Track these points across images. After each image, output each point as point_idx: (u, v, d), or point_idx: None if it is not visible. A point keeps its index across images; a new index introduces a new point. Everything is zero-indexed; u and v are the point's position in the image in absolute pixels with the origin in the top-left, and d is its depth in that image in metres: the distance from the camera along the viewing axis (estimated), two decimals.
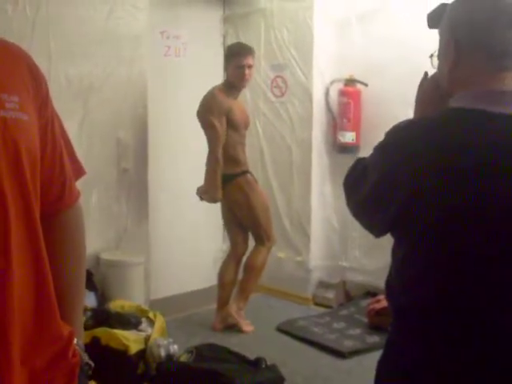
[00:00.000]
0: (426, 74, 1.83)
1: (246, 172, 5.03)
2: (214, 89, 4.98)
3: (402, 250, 1.65)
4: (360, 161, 1.78)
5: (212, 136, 4.82)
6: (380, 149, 1.68)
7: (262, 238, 5.12)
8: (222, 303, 5.16)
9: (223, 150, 4.86)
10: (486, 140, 1.54)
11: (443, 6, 1.72)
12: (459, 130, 1.57)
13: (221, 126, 4.81)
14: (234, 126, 4.92)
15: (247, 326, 5.07)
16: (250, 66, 4.92)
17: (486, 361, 1.54)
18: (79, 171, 1.57)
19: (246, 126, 5.11)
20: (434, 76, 1.80)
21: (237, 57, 4.88)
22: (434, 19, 1.75)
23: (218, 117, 4.81)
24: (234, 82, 4.95)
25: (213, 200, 4.97)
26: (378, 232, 1.73)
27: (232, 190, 4.98)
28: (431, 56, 1.78)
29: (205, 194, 4.96)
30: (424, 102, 1.81)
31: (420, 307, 1.60)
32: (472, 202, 1.52)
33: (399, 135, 1.65)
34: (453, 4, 1.68)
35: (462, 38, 1.63)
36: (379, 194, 1.63)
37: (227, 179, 4.93)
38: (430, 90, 1.80)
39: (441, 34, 1.71)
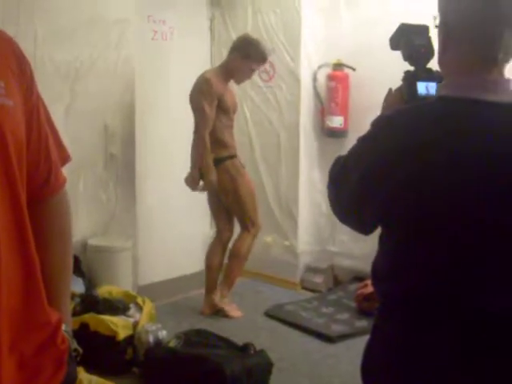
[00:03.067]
0: (390, 90, 1.88)
1: (233, 156, 4.99)
2: (206, 72, 4.93)
3: (391, 238, 1.66)
4: (339, 158, 1.77)
5: (201, 120, 4.77)
6: (366, 139, 1.68)
7: (247, 225, 5.09)
8: (210, 287, 5.16)
9: (210, 134, 4.82)
10: (471, 128, 1.55)
11: (402, 26, 1.83)
12: (444, 118, 1.58)
13: (211, 110, 4.75)
14: (224, 110, 4.86)
15: (234, 312, 5.07)
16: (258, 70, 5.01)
17: (470, 348, 1.55)
18: (65, 157, 1.56)
19: (235, 110, 5.07)
20: (398, 88, 1.84)
21: (257, 61, 4.84)
22: (394, 41, 1.79)
23: (210, 101, 4.74)
24: (235, 74, 4.90)
25: (210, 184, 4.86)
26: (368, 227, 1.74)
27: (218, 174, 4.92)
28: (435, 18, 1.71)
29: (192, 182, 4.92)
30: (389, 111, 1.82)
31: (405, 293, 1.61)
32: (464, 190, 1.52)
33: (386, 126, 1.65)
34: None
35: (450, 23, 1.62)
36: (367, 186, 1.63)
37: (213, 163, 4.90)
38: (394, 102, 1.84)
39: (438, 15, 1.68)
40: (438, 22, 1.67)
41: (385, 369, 1.68)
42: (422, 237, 1.57)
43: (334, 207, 1.81)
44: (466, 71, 1.61)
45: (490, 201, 1.52)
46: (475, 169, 1.52)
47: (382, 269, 1.69)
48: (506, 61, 1.61)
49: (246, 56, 4.79)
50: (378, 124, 1.67)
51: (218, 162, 4.92)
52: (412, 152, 1.55)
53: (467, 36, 1.60)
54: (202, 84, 4.79)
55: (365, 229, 1.76)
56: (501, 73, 1.60)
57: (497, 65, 1.59)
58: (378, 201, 1.61)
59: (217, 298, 5.09)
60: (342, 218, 1.80)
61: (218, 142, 4.91)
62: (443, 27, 1.64)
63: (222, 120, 4.88)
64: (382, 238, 1.69)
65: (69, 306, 1.63)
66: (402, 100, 1.81)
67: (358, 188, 1.65)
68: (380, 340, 1.71)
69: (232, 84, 5.06)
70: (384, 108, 1.87)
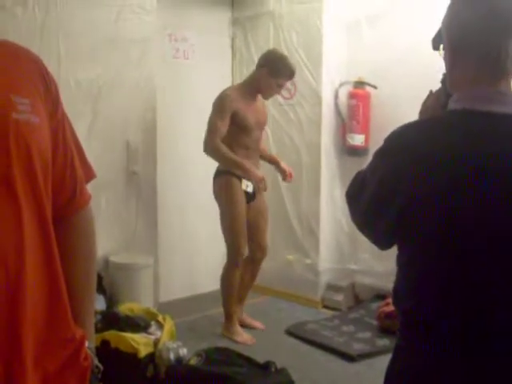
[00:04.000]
0: (430, 92, 1.87)
1: (233, 173, 4.82)
2: (228, 89, 4.91)
3: (405, 256, 1.67)
4: (359, 172, 1.79)
5: (208, 132, 4.68)
6: (378, 154, 1.69)
7: (228, 251, 4.95)
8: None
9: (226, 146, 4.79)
10: (485, 140, 1.56)
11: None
12: (455, 131, 1.59)
13: (221, 123, 4.67)
14: (241, 128, 4.78)
15: (239, 336, 4.94)
16: (285, 86, 4.98)
17: (492, 363, 1.55)
18: (89, 174, 1.58)
19: (260, 127, 4.97)
20: (437, 90, 1.83)
21: (285, 77, 4.79)
22: (436, 42, 1.78)
23: (221, 115, 4.69)
24: (261, 91, 4.86)
25: (255, 175, 4.68)
26: (382, 242, 1.76)
27: (214, 184, 4.91)
28: (443, 49, 1.76)
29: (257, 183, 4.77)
30: (427, 114, 1.84)
31: (424, 311, 1.62)
32: (473, 205, 1.53)
33: (397, 140, 1.66)
34: (448, 9, 1.69)
35: (454, 39, 1.65)
36: (380, 199, 1.65)
37: (215, 174, 4.90)
38: (432, 102, 1.84)
39: (443, 33, 1.71)
40: (443, 49, 1.71)
41: None
42: (439, 254, 1.58)
43: (353, 219, 1.84)
44: (474, 85, 1.62)
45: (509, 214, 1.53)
46: (493, 182, 1.53)
47: (400, 288, 1.70)
48: None
49: (275, 71, 4.74)
50: (388, 139, 1.68)
51: (217, 173, 4.89)
52: (424, 167, 1.56)
53: (472, 50, 1.62)
54: (218, 99, 4.76)
55: (381, 243, 1.77)
56: (508, 84, 1.62)
57: (504, 76, 1.61)
58: (390, 214, 1.63)
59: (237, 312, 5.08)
60: (361, 231, 1.82)
61: None
62: (449, 44, 1.66)
63: (237, 139, 4.80)
64: (397, 257, 1.71)
65: (92, 322, 1.64)
66: (440, 103, 1.79)
67: (372, 202, 1.67)
68: (403, 360, 1.70)
69: (262, 101, 5.03)
70: (422, 111, 1.87)
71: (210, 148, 4.67)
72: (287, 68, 4.77)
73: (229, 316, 4.99)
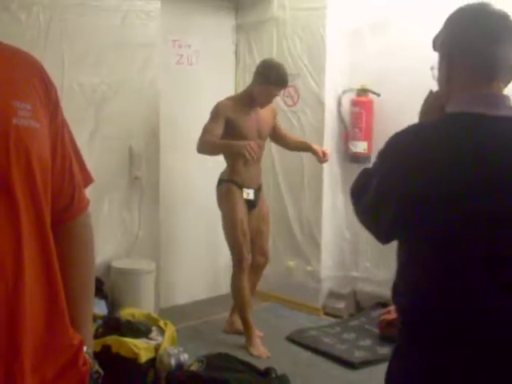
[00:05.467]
0: (430, 91, 1.95)
1: (233, 181, 4.87)
2: (226, 98, 4.94)
3: (404, 253, 1.74)
4: (364, 170, 1.87)
5: (201, 135, 4.71)
6: (380, 155, 1.78)
7: (232, 257, 4.96)
8: (234, 308, 5.17)
9: (224, 156, 4.90)
10: (477, 140, 1.65)
11: None
12: (452, 132, 1.68)
13: (214, 125, 4.71)
14: (236, 136, 4.77)
15: (255, 349, 4.89)
16: (278, 95, 4.95)
17: (488, 359, 1.60)
18: (88, 179, 1.58)
19: (261, 137, 4.98)
20: (437, 91, 1.91)
21: (275, 87, 4.77)
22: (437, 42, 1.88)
23: (214, 119, 4.73)
24: (256, 100, 4.86)
25: (243, 145, 4.60)
26: (384, 237, 1.81)
27: (216, 193, 4.95)
28: (432, 68, 1.90)
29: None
30: (426, 114, 1.92)
31: (421, 307, 1.67)
32: (472, 203, 1.60)
33: (396, 140, 1.75)
34: (447, 20, 1.82)
35: (453, 51, 1.76)
36: (381, 196, 1.71)
37: (218, 183, 4.94)
38: (432, 103, 1.92)
39: (438, 48, 1.84)
40: (435, 71, 1.86)
41: None
42: (428, 247, 1.65)
43: (357, 214, 1.89)
44: (468, 89, 1.73)
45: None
46: (493, 180, 1.61)
47: (401, 284, 1.76)
48: (508, 77, 1.77)
49: (266, 80, 4.74)
50: (389, 141, 1.77)
51: (219, 182, 4.94)
52: (422, 167, 1.63)
53: (469, 60, 1.74)
54: (213, 108, 4.81)
55: (382, 238, 1.82)
56: (501, 89, 1.74)
57: (498, 82, 1.74)
58: (389, 213, 1.69)
59: (238, 320, 5.08)
60: (364, 225, 1.87)
61: (229, 165, 4.92)
62: (447, 58, 1.77)
63: None
64: (398, 255, 1.77)
65: (91, 327, 1.63)
66: (438, 100, 1.88)
67: (374, 199, 1.74)
68: (400, 358, 1.77)
69: (271, 110, 5.05)
70: (423, 110, 1.94)
71: (199, 143, 4.72)
72: (278, 77, 4.76)
73: (245, 324, 4.95)
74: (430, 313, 1.65)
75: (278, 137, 5.23)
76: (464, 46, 1.74)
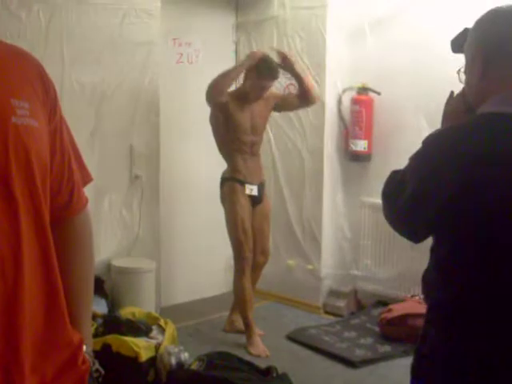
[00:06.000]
0: (452, 92, 1.95)
1: (234, 179, 4.89)
2: None
3: (443, 248, 1.75)
4: (396, 172, 1.87)
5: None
6: (418, 156, 1.77)
7: (234, 255, 4.98)
8: (233, 308, 5.18)
9: (224, 153, 4.94)
10: None
11: (466, 30, 1.86)
12: (489, 132, 1.68)
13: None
14: (234, 128, 4.85)
15: (253, 348, 4.89)
16: (269, 87, 4.94)
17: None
18: (87, 177, 1.58)
19: (255, 131, 4.98)
20: (460, 93, 1.91)
21: (264, 78, 4.82)
22: (457, 44, 1.89)
23: (213, 103, 4.82)
24: (249, 94, 4.89)
25: (250, 57, 4.87)
26: (419, 235, 1.83)
27: (220, 191, 4.95)
28: (458, 71, 1.89)
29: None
30: (451, 117, 1.91)
31: (456, 302, 1.71)
32: (509, 204, 1.62)
33: (435, 142, 1.75)
34: (479, 23, 1.81)
35: (490, 51, 1.75)
36: (421, 196, 1.72)
37: (221, 181, 4.95)
38: (456, 105, 1.91)
39: (466, 51, 1.83)
40: (461, 74, 1.85)
41: (434, 375, 1.76)
42: (473, 247, 1.67)
43: (388, 216, 1.90)
44: (505, 90, 1.72)
45: None
46: None
47: (434, 278, 1.78)
48: None
49: (256, 72, 4.81)
50: (427, 141, 1.77)
51: (222, 181, 4.95)
52: (463, 165, 1.64)
53: (508, 56, 1.73)
54: None
55: (416, 238, 1.85)
56: None
57: None
58: (429, 213, 1.72)
59: (239, 319, 5.08)
60: (395, 227, 1.88)
61: (228, 163, 4.94)
62: (481, 56, 1.76)
63: (233, 143, 4.88)
64: (433, 249, 1.79)
65: (90, 326, 1.63)
66: (464, 103, 1.88)
67: (412, 200, 1.75)
68: (431, 345, 1.78)
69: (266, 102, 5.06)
70: (446, 112, 1.94)
71: (209, 86, 4.77)
72: (268, 69, 4.83)
73: (245, 324, 4.95)
74: (463, 307, 1.70)
75: (293, 100, 5.17)
76: (504, 47, 1.74)
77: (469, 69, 1.82)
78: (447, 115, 1.93)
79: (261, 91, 4.87)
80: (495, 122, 1.70)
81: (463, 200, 1.64)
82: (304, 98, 5.04)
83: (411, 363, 1.84)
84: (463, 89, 1.90)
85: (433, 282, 1.79)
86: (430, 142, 1.76)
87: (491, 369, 1.65)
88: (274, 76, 4.87)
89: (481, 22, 1.81)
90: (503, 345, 1.64)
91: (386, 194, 1.89)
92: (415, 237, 1.84)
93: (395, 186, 1.83)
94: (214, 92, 4.73)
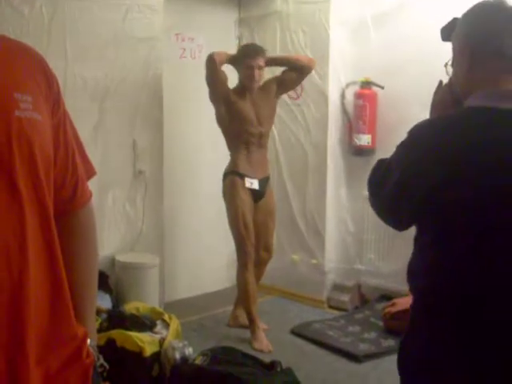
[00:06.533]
0: (440, 82, 1.98)
1: (235, 173, 4.90)
2: None
3: (424, 237, 1.77)
4: (382, 160, 1.89)
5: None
6: (403, 145, 1.80)
7: (237, 250, 4.97)
8: (237, 302, 5.19)
9: (229, 147, 4.95)
10: (497, 135, 1.67)
11: (455, 20, 1.88)
12: (473, 126, 1.71)
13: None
14: (238, 118, 4.86)
15: (257, 343, 4.89)
16: (259, 67, 4.86)
17: (495, 345, 1.66)
18: (90, 171, 1.58)
19: (260, 123, 4.98)
20: (447, 83, 1.94)
21: (247, 58, 4.83)
22: (446, 32, 1.92)
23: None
24: (244, 83, 4.91)
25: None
26: (404, 223, 1.85)
27: (222, 186, 4.96)
28: (446, 65, 1.92)
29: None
30: (439, 107, 1.95)
31: (437, 290, 1.73)
32: (490, 194, 1.64)
33: (421, 131, 1.78)
34: (466, 16, 1.84)
35: (476, 45, 1.78)
36: (405, 185, 1.74)
37: (223, 176, 4.96)
38: (444, 96, 1.94)
39: (454, 43, 1.87)
40: (449, 67, 1.89)
41: (421, 363, 1.77)
42: (455, 235, 1.68)
43: (374, 205, 1.93)
44: (492, 84, 1.75)
45: None
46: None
47: (417, 267, 1.80)
48: None
49: (240, 59, 4.88)
50: (413, 130, 1.79)
51: (224, 175, 4.95)
52: (447, 156, 1.67)
53: (493, 50, 1.75)
54: None
55: (401, 226, 1.88)
56: None
57: None
58: (413, 201, 1.73)
59: (243, 314, 5.09)
60: (381, 215, 1.92)
61: (232, 157, 4.95)
62: (469, 49, 1.79)
63: (237, 136, 4.89)
64: (416, 238, 1.81)
65: (94, 320, 1.64)
66: (451, 94, 1.90)
67: (397, 188, 1.77)
68: (415, 332, 1.81)
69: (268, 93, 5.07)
70: (434, 102, 1.97)
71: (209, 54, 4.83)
72: (246, 48, 4.98)
73: (249, 319, 4.96)
74: (444, 295, 1.71)
75: (291, 75, 5.16)
76: (490, 40, 1.76)
77: (456, 60, 1.85)
78: (435, 105, 1.96)
79: (250, 72, 4.84)
80: (481, 115, 1.72)
81: (447, 190, 1.65)
82: (299, 69, 5.09)
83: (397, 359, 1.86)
84: (450, 79, 1.92)
85: (416, 270, 1.80)
86: (416, 132, 1.78)
87: (473, 357, 1.66)
88: (256, 50, 4.89)
89: (468, 16, 1.83)
90: (490, 334, 1.65)
91: (372, 183, 1.91)
92: (400, 225, 1.87)
93: (381, 174, 1.85)
94: (216, 56, 4.78)
